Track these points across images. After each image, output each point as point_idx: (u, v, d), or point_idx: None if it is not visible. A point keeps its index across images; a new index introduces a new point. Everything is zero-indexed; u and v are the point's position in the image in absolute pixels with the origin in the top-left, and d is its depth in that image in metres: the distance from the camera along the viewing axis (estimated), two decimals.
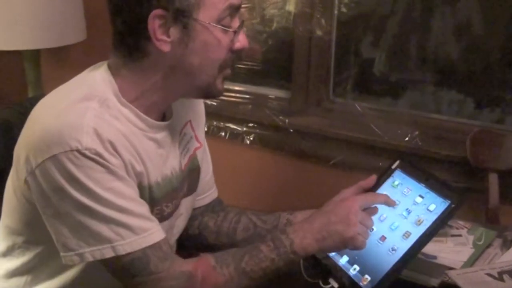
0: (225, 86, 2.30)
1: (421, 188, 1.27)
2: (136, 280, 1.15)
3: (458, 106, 2.05)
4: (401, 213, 1.26)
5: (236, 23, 1.17)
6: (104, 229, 1.11)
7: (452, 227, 1.42)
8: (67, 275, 1.24)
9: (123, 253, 1.12)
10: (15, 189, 1.20)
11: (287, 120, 2.20)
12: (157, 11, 1.11)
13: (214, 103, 2.31)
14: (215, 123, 2.33)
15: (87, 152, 1.08)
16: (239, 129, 2.31)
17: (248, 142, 2.29)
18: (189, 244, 1.48)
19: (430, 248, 1.32)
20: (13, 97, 2.39)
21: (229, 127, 2.32)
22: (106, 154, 1.10)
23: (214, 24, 1.14)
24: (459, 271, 1.25)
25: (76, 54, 2.47)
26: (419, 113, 2.09)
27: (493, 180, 1.81)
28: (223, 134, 2.33)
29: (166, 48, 1.13)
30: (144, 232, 1.13)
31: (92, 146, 1.08)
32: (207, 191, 1.46)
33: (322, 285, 1.25)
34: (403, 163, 1.35)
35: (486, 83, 2.01)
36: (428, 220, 1.21)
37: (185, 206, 1.35)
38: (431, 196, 1.25)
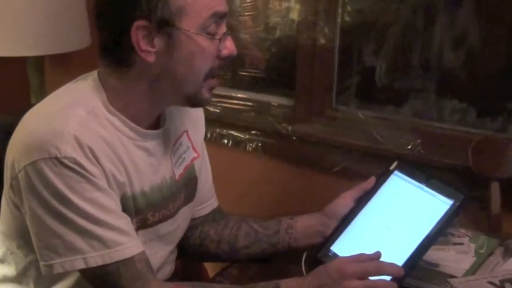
0: (228, 94, 2.35)
1: (421, 188, 1.27)
2: None
3: (460, 114, 2.05)
4: (404, 215, 1.27)
5: (222, 30, 1.17)
6: (77, 240, 1.10)
7: (454, 235, 1.42)
8: (64, 285, 1.23)
9: (94, 265, 1.12)
10: (5, 194, 1.21)
11: (290, 128, 2.20)
12: (140, 22, 1.11)
13: (217, 110, 2.32)
14: (217, 130, 2.33)
15: (66, 161, 1.08)
16: (242, 136, 2.31)
17: (250, 149, 2.29)
18: (190, 254, 1.48)
19: (432, 256, 1.33)
20: (16, 103, 2.40)
21: (231, 134, 2.32)
22: (86, 163, 1.10)
23: (199, 33, 1.13)
24: (461, 279, 1.25)
25: (80, 61, 2.47)
26: (422, 121, 2.09)
27: (495, 188, 1.80)
28: (225, 141, 2.33)
29: (150, 58, 1.13)
30: (117, 246, 1.13)
31: (71, 155, 1.08)
32: (207, 200, 1.46)
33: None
34: (401, 164, 1.35)
35: (488, 92, 2.01)
36: (432, 221, 1.21)
37: (183, 216, 1.35)
38: (433, 195, 1.25)
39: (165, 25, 1.12)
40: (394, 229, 1.27)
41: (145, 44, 1.12)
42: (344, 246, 1.33)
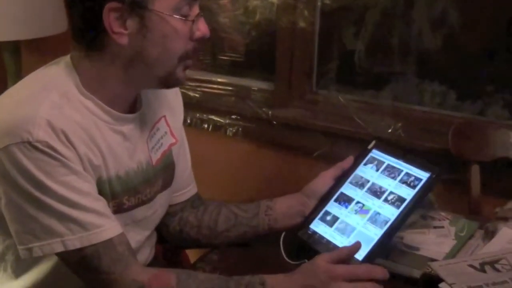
0: (208, 78, 2.33)
1: (399, 164, 1.31)
2: (89, 277, 1.15)
3: (441, 98, 2.05)
4: (383, 189, 1.29)
5: (195, 11, 1.16)
6: (54, 223, 1.10)
7: (434, 218, 1.42)
8: (42, 269, 1.23)
9: (73, 248, 1.11)
10: None
11: (270, 112, 2.20)
12: (112, 4, 1.09)
13: (197, 95, 2.30)
14: (197, 115, 2.32)
15: (38, 145, 1.07)
16: (222, 121, 2.30)
17: (231, 134, 2.28)
18: (170, 241, 1.47)
19: (412, 239, 1.34)
20: None
21: (212, 119, 2.31)
22: (59, 147, 1.09)
23: (171, 14, 1.12)
24: (442, 263, 1.25)
25: (56, 45, 2.41)
26: (402, 105, 2.09)
27: (475, 171, 1.81)
28: (205, 126, 2.32)
29: (123, 40, 1.12)
30: (95, 228, 1.12)
31: (43, 138, 1.07)
32: (186, 186, 1.45)
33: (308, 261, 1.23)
34: (379, 143, 1.39)
35: (468, 75, 2.02)
36: (410, 193, 1.25)
37: (160, 201, 1.34)
38: (410, 169, 1.28)
39: (137, 7, 1.11)
40: (376, 203, 1.29)
41: (118, 26, 1.11)
42: (323, 224, 1.34)
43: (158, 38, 1.13)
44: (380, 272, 1.17)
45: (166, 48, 1.15)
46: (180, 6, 1.13)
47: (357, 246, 1.20)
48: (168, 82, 1.21)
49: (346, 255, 1.20)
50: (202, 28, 1.17)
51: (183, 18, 1.14)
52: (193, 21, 1.15)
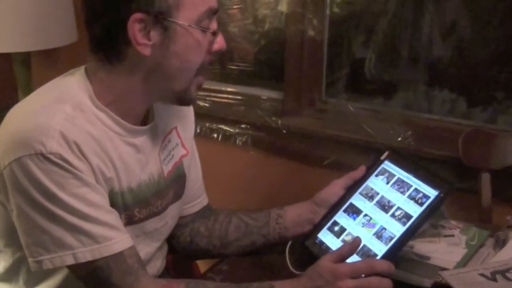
0: (217, 88, 2.34)
1: (409, 178, 1.29)
2: None
3: (451, 105, 2.05)
4: (391, 204, 1.28)
5: (214, 25, 1.17)
6: (66, 235, 1.10)
7: (445, 227, 1.42)
8: (53, 281, 1.23)
9: (84, 260, 1.11)
10: None
11: (279, 121, 2.20)
12: (137, 15, 1.10)
13: (207, 105, 2.31)
14: (207, 124, 2.32)
15: (51, 157, 1.07)
16: (232, 130, 2.30)
17: (240, 143, 2.28)
18: (181, 252, 1.47)
19: (423, 248, 1.33)
20: (3, 100, 2.38)
21: (221, 128, 2.31)
22: (72, 159, 1.09)
23: (194, 26, 1.13)
24: (452, 272, 1.24)
25: (67, 56, 2.46)
26: (412, 113, 2.09)
27: (486, 179, 1.80)
28: (215, 135, 2.32)
29: (147, 52, 1.13)
30: (106, 241, 1.12)
31: (56, 150, 1.07)
32: (197, 198, 1.45)
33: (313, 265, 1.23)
34: (392, 154, 1.37)
35: (478, 82, 2.01)
36: (417, 210, 1.23)
37: (171, 213, 1.34)
38: (419, 186, 1.27)
39: (162, 18, 1.11)
40: (383, 217, 1.28)
41: (141, 37, 1.11)
42: (331, 234, 1.34)
43: (180, 49, 1.14)
44: (384, 265, 1.16)
45: (187, 60, 1.15)
46: (202, 19, 1.14)
47: (357, 242, 1.20)
48: (182, 99, 1.21)
49: (347, 253, 1.20)
50: (220, 41, 1.19)
51: (205, 30, 1.15)
52: (213, 33, 1.16)
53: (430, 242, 1.36)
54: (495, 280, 1.20)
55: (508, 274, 1.21)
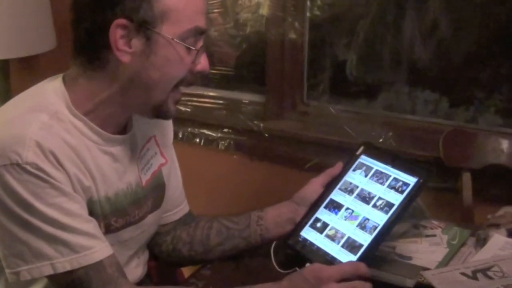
0: (199, 92, 2.33)
1: (387, 169, 1.31)
2: None
3: (433, 106, 2.06)
4: (372, 195, 1.30)
5: (198, 45, 1.16)
6: (43, 246, 1.09)
7: (426, 227, 1.42)
8: None
9: (62, 270, 1.10)
10: None
11: (261, 125, 2.20)
12: (120, 21, 1.09)
13: (188, 109, 2.30)
14: (189, 129, 2.31)
15: (27, 167, 1.06)
16: (214, 135, 2.30)
17: (223, 147, 2.28)
18: (163, 261, 1.47)
19: (405, 249, 1.33)
20: None
21: (203, 133, 2.31)
22: (48, 168, 1.08)
23: (177, 40, 1.12)
24: (434, 271, 1.24)
25: (46, 63, 2.44)
26: (393, 114, 2.09)
27: (467, 179, 1.81)
28: (197, 140, 2.31)
29: (126, 59, 1.12)
30: (85, 250, 1.11)
31: (32, 160, 1.06)
32: (178, 206, 1.44)
33: (298, 270, 1.23)
34: (367, 148, 1.38)
35: (459, 82, 2.02)
36: (398, 198, 1.25)
37: (149, 222, 1.33)
38: (398, 175, 1.28)
39: (145, 27, 1.11)
40: (365, 209, 1.30)
41: (123, 44, 1.11)
42: (314, 231, 1.34)
43: (160, 61, 1.13)
44: (363, 268, 1.17)
45: (165, 72, 1.14)
46: (187, 36, 1.13)
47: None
48: (159, 112, 1.20)
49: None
50: (203, 62, 1.18)
51: (189, 47, 1.14)
52: (197, 51, 1.16)
53: (412, 242, 1.36)
54: (476, 279, 1.20)
55: (489, 273, 1.21)
